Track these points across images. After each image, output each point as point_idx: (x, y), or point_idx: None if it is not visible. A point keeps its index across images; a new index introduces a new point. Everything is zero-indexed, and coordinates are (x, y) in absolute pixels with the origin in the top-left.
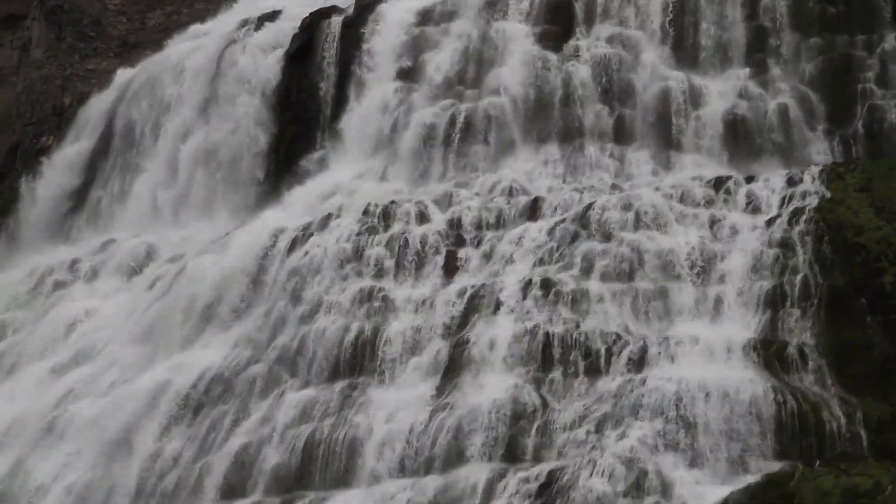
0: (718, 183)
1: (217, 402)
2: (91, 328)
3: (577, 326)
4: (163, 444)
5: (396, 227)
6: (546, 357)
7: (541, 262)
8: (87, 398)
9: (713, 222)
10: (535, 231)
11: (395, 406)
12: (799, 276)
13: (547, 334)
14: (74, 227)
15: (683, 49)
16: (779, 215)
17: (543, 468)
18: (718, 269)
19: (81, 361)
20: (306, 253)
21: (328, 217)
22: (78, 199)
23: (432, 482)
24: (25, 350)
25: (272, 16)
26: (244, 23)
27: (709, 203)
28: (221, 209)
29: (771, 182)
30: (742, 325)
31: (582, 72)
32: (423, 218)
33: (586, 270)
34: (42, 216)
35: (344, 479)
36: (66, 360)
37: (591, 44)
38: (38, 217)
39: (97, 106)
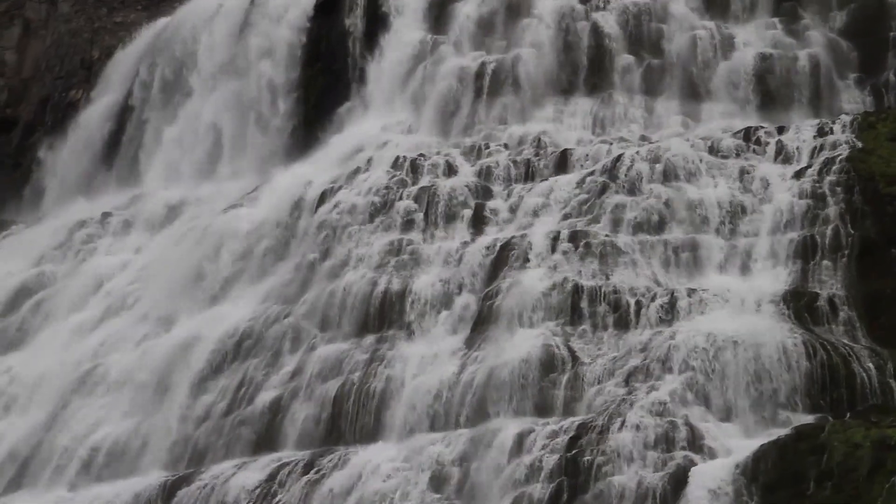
0: (748, 134)
1: (247, 356)
2: (122, 282)
3: (607, 279)
4: (195, 397)
5: (425, 180)
6: (575, 310)
7: (570, 214)
8: (120, 352)
9: (743, 173)
10: (564, 183)
11: (424, 360)
12: (829, 227)
13: (576, 287)
14: (104, 181)
15: None
16: (809, 166)
17: (573, 421)
18: (748, 220)
19: (113, 315)
20: (335, 206)
21: (357, 170)
22: (107, 152)
23: (461, 436)
24: (57, 304)
25: None
26: None
27: (738, 154)
28: (250, 162)
29: (801, 132)
30: (772, 277)
31: (610, 22)
32: (451, 170)
33: (615, 223)
34: (72, 170)
35: (373, 432)
36: (98, 314)
37: None
38: (67, 171)
39: (125, 59)
